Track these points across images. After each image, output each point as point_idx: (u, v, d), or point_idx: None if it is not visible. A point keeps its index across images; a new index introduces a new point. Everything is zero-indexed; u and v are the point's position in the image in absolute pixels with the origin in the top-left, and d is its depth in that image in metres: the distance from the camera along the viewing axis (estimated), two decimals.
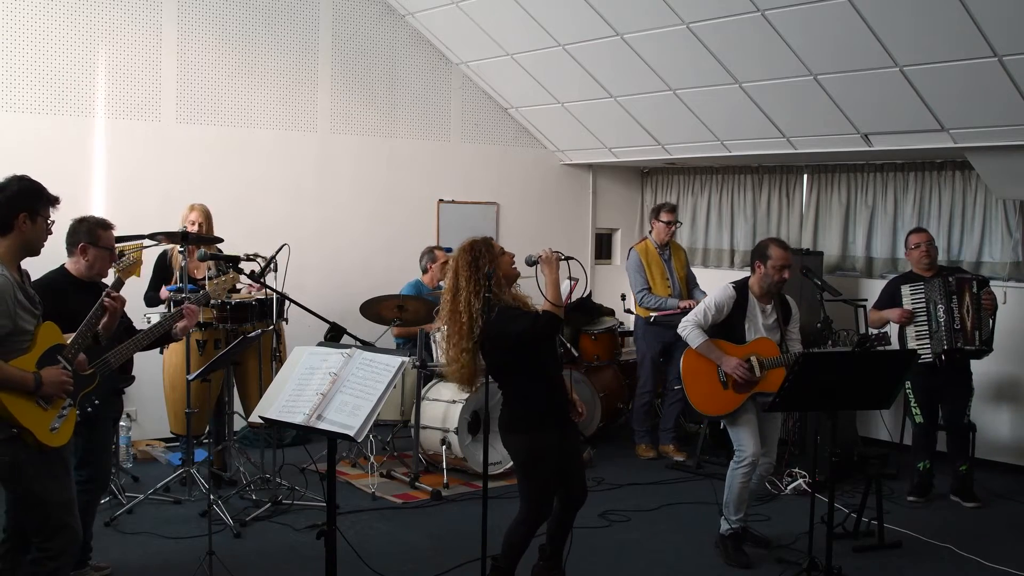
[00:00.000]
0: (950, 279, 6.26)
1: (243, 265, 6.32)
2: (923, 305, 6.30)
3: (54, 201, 3.72)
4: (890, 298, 6.48)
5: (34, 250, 3.69)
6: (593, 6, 6.85)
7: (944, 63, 5.81)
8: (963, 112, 6.18)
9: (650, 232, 7.70)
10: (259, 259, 6.13)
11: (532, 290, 4.46)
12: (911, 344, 6.31)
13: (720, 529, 5.28)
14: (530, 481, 4.34)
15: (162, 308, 6.10)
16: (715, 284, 8.09)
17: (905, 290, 6.40)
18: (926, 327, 6.27)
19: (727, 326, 5.22)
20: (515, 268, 4.42)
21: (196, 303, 5.06)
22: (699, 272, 8.92)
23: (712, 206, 9.29)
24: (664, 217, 7.56)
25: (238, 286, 6.21)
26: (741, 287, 5.27)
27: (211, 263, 6.19)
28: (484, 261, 4.29)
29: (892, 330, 6.51)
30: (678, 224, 7.68)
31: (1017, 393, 7.21)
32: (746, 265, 8.75)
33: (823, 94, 6.56)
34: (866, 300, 7.54)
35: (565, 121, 8.63)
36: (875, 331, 6.06)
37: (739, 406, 5.13)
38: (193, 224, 6.44)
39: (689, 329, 5.19)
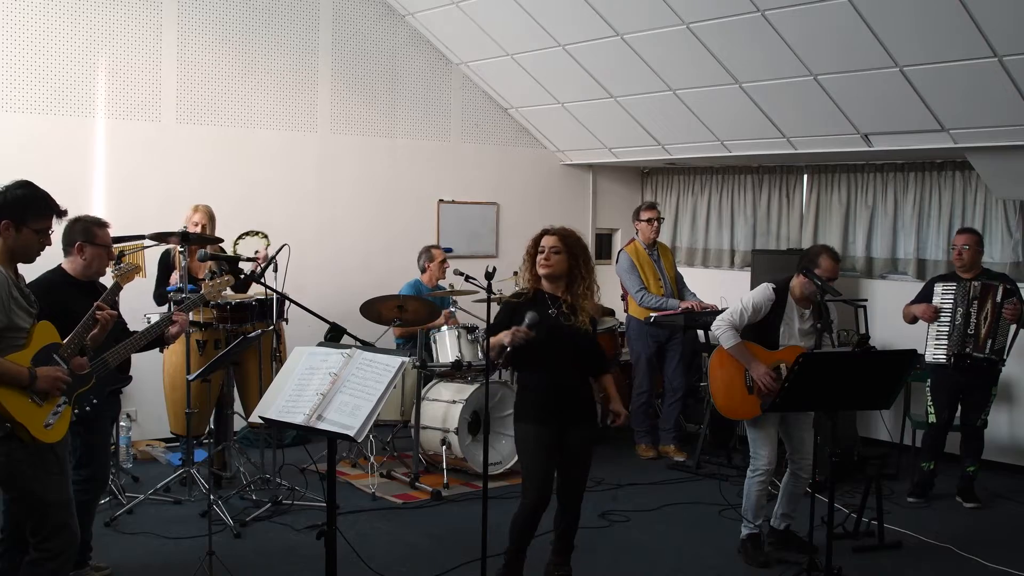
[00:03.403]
0: (975, 283, 6.23)
1: (243, 264, 6.35)
2: (950, 306, 6.28)
3: (60, 213, 3.70)
4: (925, 295, 6.46)
5: (23, 259, 3.67)
6: (593, 6, 6.85)
7: (944, 63, 5.81)
8: (963, 112, 6.18)
9: (636, 234, 7.71)
10: (260, 236, 6.20)
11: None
12: (929, 342, 6.30)
13: (741, 535, 5.28)
14: (521, 466, 4.54)
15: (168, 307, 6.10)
16: (715, 285, 8.25)
17: (938, 288, 6.38)
18: (947, 327, 6.26)
19: (761, 327, 5.12)
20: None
21: (194, 304, 5.08)
22: (699, 272, 8.97)
23: (712, 206, 9.29)
24: (644, 216, 7.59)
25: (244, 270, 6.24)
26: (781, 289, 5.16)
27: (211, 263, 6.19)
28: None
29: (923, 327, 6.44)
30: (661, 219, 7.70)
31: (1017, 393, 7.21)
32: (746, 265, 8.76)
33: (823, 94, 6.57)
34: (866, 300, 7.57)
35: (565, 121, 8.63)
36: (861, 333, 6.05)
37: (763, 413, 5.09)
38: (196, 225, 6.44)
39: (723, 329, 5.08)
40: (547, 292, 4.50)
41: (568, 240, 4.51)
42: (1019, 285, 7.13)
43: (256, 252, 6.38)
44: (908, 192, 7.84)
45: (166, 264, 6.46)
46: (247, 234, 6.60)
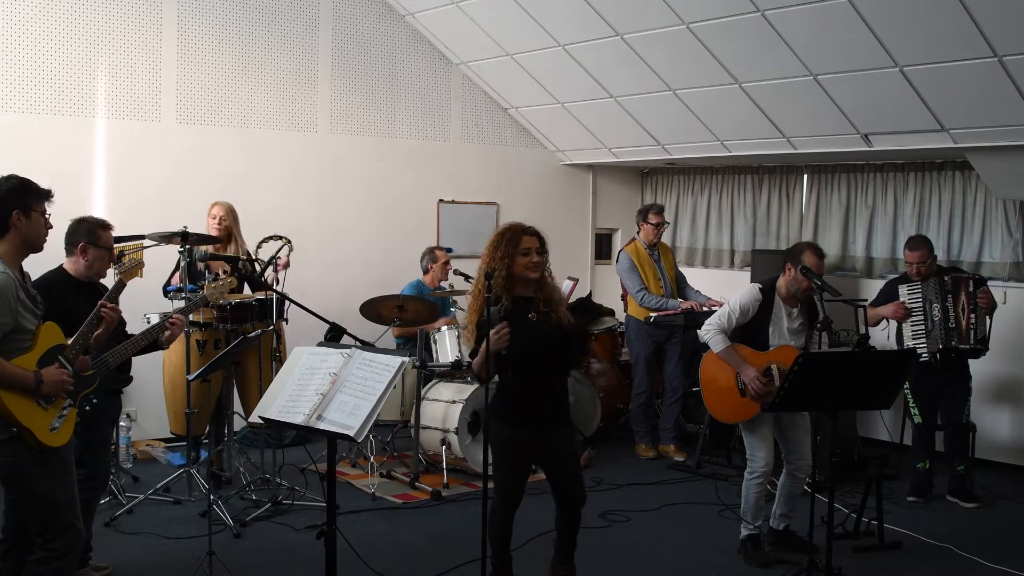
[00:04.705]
0: (945, 278, 6.25)
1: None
2: (920, 304, 6.29)
3: (46, 195, 3.72)
4: (887, 298, 6.48)
5: (35, 246, 3.70)
6: (593, 6, 6.85)
7: (944, 63, 5.81)
8: (963, 112, 6.18)
9: (638, 233, 7.70)
10: (277, 239, 6.18)
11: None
12: (908, 343, 6.31)
13: (740, 536, 5.27)
14: (493, 468, 4.41)
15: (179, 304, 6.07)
16: (715, 285, 8.24)
17: (903, 290, 6.39)
18: (922, 326, 6.27)
19: (750, 328, 5.11)
20: (530, 271, 4.32)
21: (195, 304, 5.08)
22: (699, 272, 8.97)
23: (712, 206, 9.29)
24: (653, 219, 7.56)
25: (267, 277, 6.23)
26: (768, 289, 5.15)
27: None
28: (486, 259, 4.36)
29: (891, 329, 6.51)
30: (666, 225, 7.70)
31: (1017, 393, 7.21)
32: (746, 265, 8.77)
33: (823, 94, 6.57)
34: (866, 300, 7.54)
35: (565, 121, 8.63)
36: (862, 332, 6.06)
37: (756, 414, 5.07)
38: (215, 218, 6.48)
39: (712, 334, 5.07)
40: (520, 296, 4.33)
41: (542, 237, 4.41)
42: (1019, 285, 7.19)
43: (277, 258, 6.32)
44: (908, 192, 7.84)
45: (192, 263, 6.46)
46: (270, 238, 6.56)
